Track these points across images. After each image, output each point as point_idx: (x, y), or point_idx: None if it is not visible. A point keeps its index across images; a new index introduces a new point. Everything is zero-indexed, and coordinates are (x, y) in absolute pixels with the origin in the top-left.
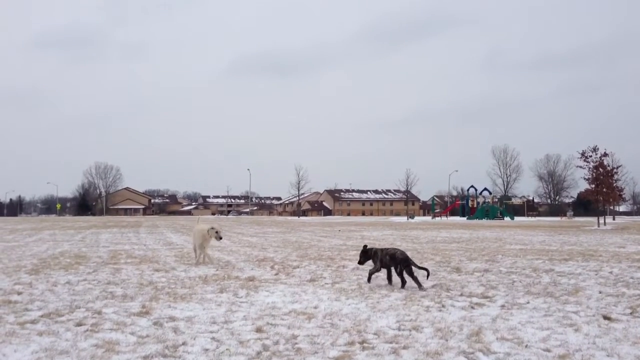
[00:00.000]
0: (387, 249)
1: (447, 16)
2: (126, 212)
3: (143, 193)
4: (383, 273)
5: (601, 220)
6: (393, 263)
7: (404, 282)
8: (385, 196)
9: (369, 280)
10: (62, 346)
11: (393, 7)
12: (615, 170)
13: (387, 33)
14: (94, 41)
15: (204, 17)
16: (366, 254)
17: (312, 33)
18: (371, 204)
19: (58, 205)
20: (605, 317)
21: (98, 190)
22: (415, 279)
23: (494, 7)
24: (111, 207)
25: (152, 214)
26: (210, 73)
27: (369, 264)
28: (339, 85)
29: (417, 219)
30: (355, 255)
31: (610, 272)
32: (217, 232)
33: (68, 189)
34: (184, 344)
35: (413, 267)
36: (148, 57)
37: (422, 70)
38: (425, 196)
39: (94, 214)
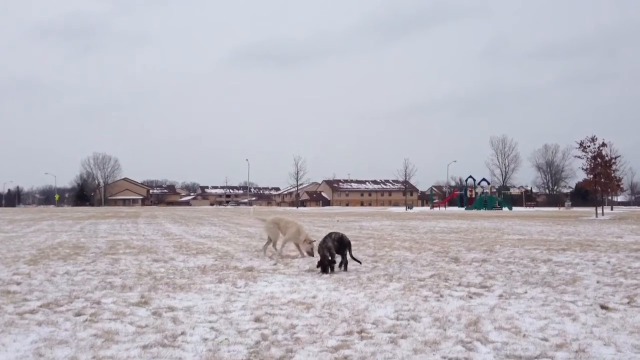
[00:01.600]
0: (331, 235)
1: (448, 6)
2: (124, 202)
3: (141, 184)
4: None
5: (599, 210)
6: (342, 245)
7: (347, 264)
8: (384, 186)
9: (332, 270)
10: (61, 336)
11: None
12: (613, 160)
13: (388, 23)
14: (93, 31)
15: (205, 6)
16: (328, 258)
17: (312, 23)
18: (370, 195)
19: (56, 196)
20: (603, 307)
21: (96, 181)
22: (347, 261)
23: None
24: (109, 197)
25: (151, 205)
26: (210, 63)
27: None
28: (339, 76)
29: (415, 209)
30: (355, 245)
31: (608, 262)
32: (313, 248)
33: (66, 179)
34: (182, 333)
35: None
36: (148, 47)
37: (423, 61)
38: (423, 186)
39: (92, 205)
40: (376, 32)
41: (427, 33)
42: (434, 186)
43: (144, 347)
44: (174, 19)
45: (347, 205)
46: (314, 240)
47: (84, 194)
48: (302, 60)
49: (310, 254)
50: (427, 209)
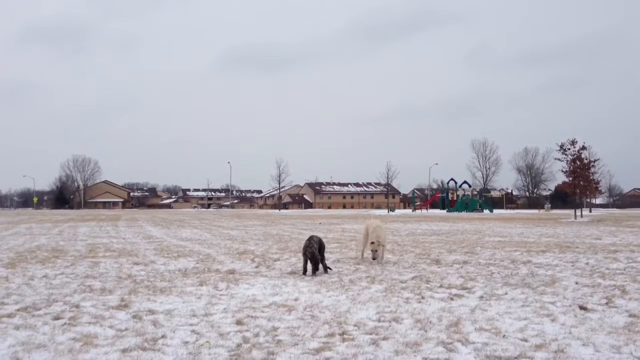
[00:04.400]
0: (314, 237)
1: (433, 13)
2: (105, 205)
3: (122, 186)
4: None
5: (578, 212)
6: (321, 248)
7: (326, 267)
8: (366, 189)
9: (317, 270)
10: (40, 340)
11: (380, 3)
12: (592, 163)
13: (374, 29)
14: (76, 34)
15: (191, 11)
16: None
17: (298, 29)
18: (352, 197)
19: (35, 199)
20: (581, 307)
21: (76, 184)
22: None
23: (480, 4)
24: (89, 200)
25: (132, 207)
26: (195, 67)
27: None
28: (324, 81)
29: (397, 211)
30: (337, 247)
31: (587, 264)
32: (373, 250)
33: (45, 182)
34: (163, 337)
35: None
36: (132, 51)
37: (408, 66)
38: (405, 189)
39: (71, 208)
40: (362, 38)
41: (413, 39)
42: (416, 189)
43: (124, 350)
44: (159, 23)
45: (329, 207)
46: (378, 245)
47: (63, 197)
48: (286, 64)
49: (372, 256)
50: (409, 211)
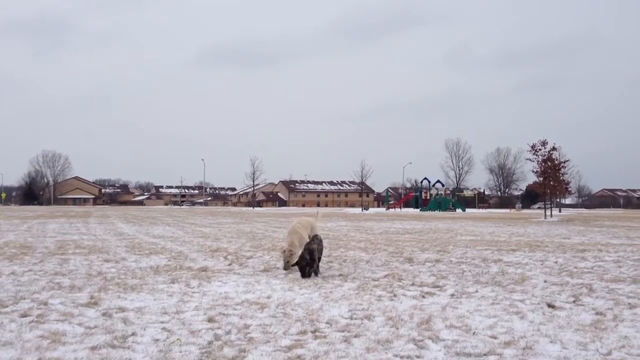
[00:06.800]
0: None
1: (413, 14)
2: (75, 201)
3: (93, 182)
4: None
5: (548, 212)
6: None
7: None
8: (340, 187)
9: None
10: (6, 337)
11: (361, 2)
12: (562, 164)
13: (355, 28)
14: (50, 29)
15: (171, 7)
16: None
17: (278, 26)
18: (326, 195)
19: (3, 195)
20: (550, 305)
21: (45, 180)
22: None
23: (458, 5)
24: (59, 196)
25: (103, 204)
26: (173, 63)
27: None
28: (301, 79)
29: (371, 210)
30: None
31: (555, 262)
32: (285, 261)
33: (14, 177)
34: (133, 334)
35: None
36: (108, 47)
37: (386, 65)
38: (379, 188)
39: (41, 204)
40: (343, 37)
41: (393, 39)
42: (390, 188)
43: (93, 348)
44: (138, 17)
45: (304, 205)
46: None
47: (32, 193)
48: (264, 61)
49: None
50: (382, 210)
